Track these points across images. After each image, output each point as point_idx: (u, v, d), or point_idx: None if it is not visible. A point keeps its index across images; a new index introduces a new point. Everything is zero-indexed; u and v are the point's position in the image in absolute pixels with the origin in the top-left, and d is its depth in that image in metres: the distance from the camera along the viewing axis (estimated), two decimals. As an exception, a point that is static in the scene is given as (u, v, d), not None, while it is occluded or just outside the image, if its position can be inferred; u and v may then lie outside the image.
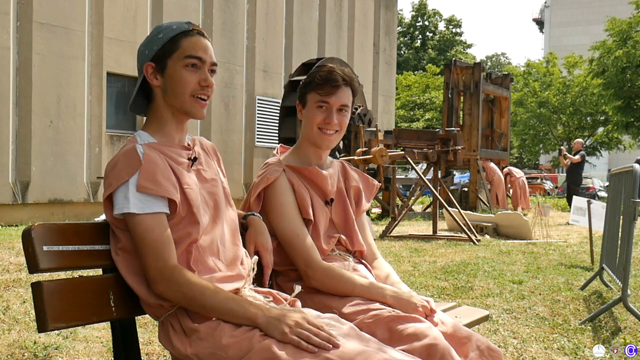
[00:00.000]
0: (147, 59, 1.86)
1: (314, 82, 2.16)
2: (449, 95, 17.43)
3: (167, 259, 1.72)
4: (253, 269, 1.91)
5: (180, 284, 1.71)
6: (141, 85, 1.89)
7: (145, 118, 1.93)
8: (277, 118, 13.99)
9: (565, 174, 14.57)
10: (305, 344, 1.59)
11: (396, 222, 9.81)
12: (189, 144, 1.93)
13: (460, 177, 20.55)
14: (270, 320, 1.65)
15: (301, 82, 2.24)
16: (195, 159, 1.89)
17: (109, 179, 1.76)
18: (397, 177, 13.74)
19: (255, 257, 1.94)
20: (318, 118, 2.16)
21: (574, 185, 13.50)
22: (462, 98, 17.73)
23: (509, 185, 17.55)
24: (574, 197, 7.78)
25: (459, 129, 15.28)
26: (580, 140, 14.55)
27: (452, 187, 15.89)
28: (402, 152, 10.01)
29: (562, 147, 14.19)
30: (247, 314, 1.68)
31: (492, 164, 17.53)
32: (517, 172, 18.02)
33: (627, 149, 35.88)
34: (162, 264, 1.72)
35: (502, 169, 17.69)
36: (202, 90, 1.85)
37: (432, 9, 58.03)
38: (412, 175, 25.33)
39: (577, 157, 13.62)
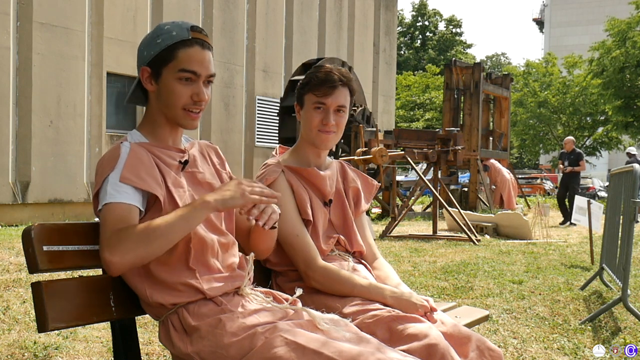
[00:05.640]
0: (143, 62, 1.83)
1: (310, 83, 2.16)
2: (455, 96, 17.43)
3: (117, 228, 1.66)
4: (251, 266, 1.91)
5: (127, 237, 1.63)
6: (139, 81, 1.88)
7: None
8: (277, 118, 14.00)
9: (561, 175, 13.87)
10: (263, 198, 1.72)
11: (396, 222, 9.81)
12: (185, 147, 1.92)
13: (460, 177, 20.53)
14: (219, 197, 1.69)
15: (298, 83, 2.24)
16: (186, 162, 1.87)
17: (96, 178, 1.76)
18: (397, 178, 13.73)
19: (252, 255, 1.94)
20: (315, 119, 2.16)
21: (576, 186, 13.16)
22: (462, 98, 17.75)
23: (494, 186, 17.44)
24: (577, 197, 7.71)
25: (459, 129, 15.28)
26: (571, 138, 13.57)
27: (452, 187, 15.89)
28: (402, 152, 10.01)
29: (561, 166, 13.39)
30: (197, 208, 1.68)
31: (497, 164, 17.49)
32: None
33: (627, 148, 35.86)
34: (109, 234, 1.66)
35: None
36: (194, 105, 1.82)
37: (432, 9, 57.99)
38: (412, 176, 25.30)
39: (580, 164, 13.00)
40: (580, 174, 13.48)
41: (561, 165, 13.19)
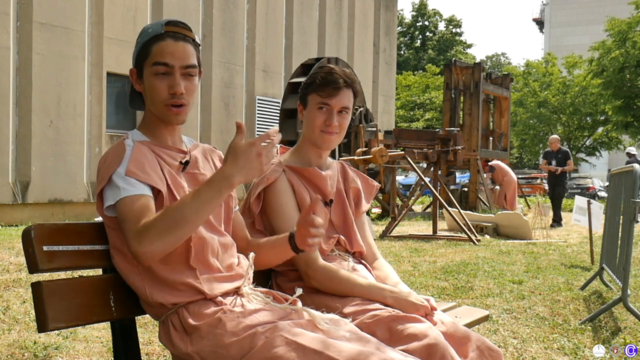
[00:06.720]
0: (133, 64, 1.86)
1: (314, 83, 2.15)
2: (452, 96, 17.40)
3: (141, 218, 1.66)
4: (251, 266, 1.91)
5: (153, 226, 1.62)
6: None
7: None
8: (277, 118, 13.99)
9: (548, 175, 13.08)
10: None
11: (396, 222, 9.81)
12: (187, 149, 1.92)
13: (460, 177, 20.51)
14: (240, 173, 1.60)
15: (302, 83, 2.23)
16: (187, 162, 1.87)
17: (101, 174, 1.75)
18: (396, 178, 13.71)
19: (252, 255, 1.93)
20: (319, 120, 2.16)
21: (564, 185, 12.85)
22: (462, 98, 17.74)
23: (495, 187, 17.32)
24: (577, 197, 7.67)
25: (458, 129, 15.28)
26: (556, 136, 13.19)
27: (452, 187, 15.87)
28: (402, 152, 10.01)
29: (549, 166, 12.89)
30: (219, 187, 1.62)
31: (503, 164, 17.43)
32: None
33: (627, 148, 35.87)
34: (134, 225, 1.65)
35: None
36: (172, 99, 1.80)
37: (432, 9, 57.98)
38: (412, 176, 25.30)
39: (568, 163, 12.64)
40: (567, 173, 13.14)
41: (550, 166, 12.80)
